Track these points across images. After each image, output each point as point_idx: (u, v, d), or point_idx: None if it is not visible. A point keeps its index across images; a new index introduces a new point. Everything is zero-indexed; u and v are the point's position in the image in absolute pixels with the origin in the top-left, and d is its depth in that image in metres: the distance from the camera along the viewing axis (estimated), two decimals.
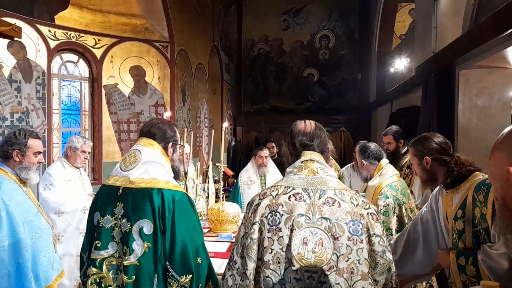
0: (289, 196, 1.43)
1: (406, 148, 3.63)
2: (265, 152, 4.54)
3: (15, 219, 2.23)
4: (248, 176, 4.57)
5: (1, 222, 2.17)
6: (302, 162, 1.53)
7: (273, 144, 5.73)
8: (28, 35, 4.51)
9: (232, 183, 7.18)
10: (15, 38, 4.32)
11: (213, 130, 3.59)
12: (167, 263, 1.67)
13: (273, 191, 1.48)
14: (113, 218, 1.74)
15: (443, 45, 4.26)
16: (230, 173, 7.99)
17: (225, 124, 4.01)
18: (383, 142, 3.71)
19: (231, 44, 10.43)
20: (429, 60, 4.48)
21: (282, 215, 1.40)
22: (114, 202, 1.75)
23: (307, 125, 1.60)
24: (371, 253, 1.39)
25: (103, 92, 5.35)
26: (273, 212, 1.42)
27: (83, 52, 5.24)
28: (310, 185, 1.45)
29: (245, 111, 11.60)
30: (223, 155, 3.85)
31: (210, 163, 3.51)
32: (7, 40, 4.29)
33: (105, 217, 1.75)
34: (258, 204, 1.46)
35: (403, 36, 9.96)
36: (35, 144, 2.43)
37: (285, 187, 1.47)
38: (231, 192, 4.75)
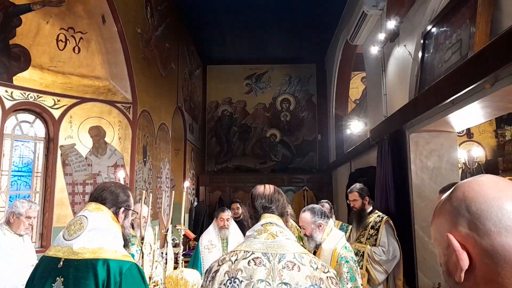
0: (249, 261, 1.40)
1: (371, 207, 3.71)
2: (226, 214, 4.42)
3: None
4: (209, 240, 4.40)
5: None
6: (262, 225, 1.53)
7: (238, 205, 5.63)
8: None
9: (193, 246, 6.87)
10: None
11: (173, 192, 3.51)
12: None
13: (232, 256, 1.44)
14: None
15: (393, 110, 4.60)
16: (192, 235, 7.68)
17: (187, 184, 3.93)
18: (348, 200, 3.78)
19: (195, 105, 10.65)
20: (382, 124, 4.79)
21: (242, 281, 1.36)
22: (53, 276, 1.57)
23: (266, 188, 1.66)
24: None
25: (59, 152, 5.15)
26: (232, 279, 1.37)
27: (40, 112, 5.11)
28: (269, 248, 1.44)
29: (208, 170, 11.53)
30: (183, 217, 3.72)
31: (170, 226, 3.37)
32: None
33: None
34: (217, 271, 1.41)
35: (357, 101, 10.68)
36: None
37: (244, 252, 1.44)
38: (191, 257, 4.52)
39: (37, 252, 3.47)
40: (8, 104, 4.66)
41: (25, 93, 4.85)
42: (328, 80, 10.64)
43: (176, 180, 8.75)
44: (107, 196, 1.79)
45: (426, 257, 3.67)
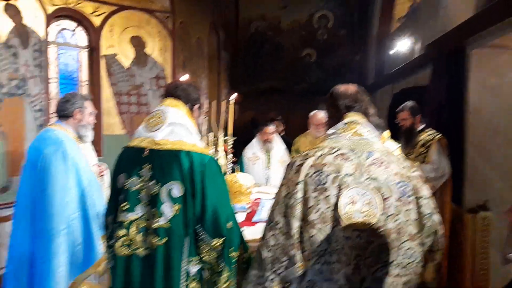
0: (335, 156, 1.39)
1: (423, 125, 3.64)
2: (270, 128, 4.49)
3: (79, 170, 2.48)
4: (253, 152, 4.53)
5: (68, 170, 2.45)
6: (345, 124, 1.49)
7: (279, 123, 5.69)
8: None
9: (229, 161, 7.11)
10: (10, 1, 4.13)
11: (223, 102, 3.51)
12: (198, 226, 1.63)
13: (316, 152, 1.44)
14: (140, 180, 1.68)
15: (453, 25, 4.21)
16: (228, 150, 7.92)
17: (234, 96, 3.91)
18: (397, 119, 3.71)
19: (228, 21, 10.19)
20: (439, 40, 4.44)
21: (329, 174, 1.37)
22: (140, 164, 1.69)
23: (349, 87, 1.60)
24: (418, 216, 1.36)
25: (102, 61, 5.16)
26: (319, 172, 1.38)
27: (81, 20, 5.02)
28: (356, 145, 1.42)
29: (240, 90, 11.44)
30: (231, 129, 3.75)
31: (221, 135, 3.45)
32: (4, 3, 4.08)
33: (131, 179, 1.69)
34: (301, 165, 1.42)
35: (402, 19, 9.90)
36: (89, 105, 2.73)
37: (330, 148, 1.43)
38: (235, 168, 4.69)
39: None
40: (49, 9, 4.57)
41: None
42: None
43: (211, 98, 8.76)
44: (181, 93, 1.83)
45: (476, 176, 3.62)
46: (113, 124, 5.14)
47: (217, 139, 3.42)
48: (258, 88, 11.36)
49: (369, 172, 1.36)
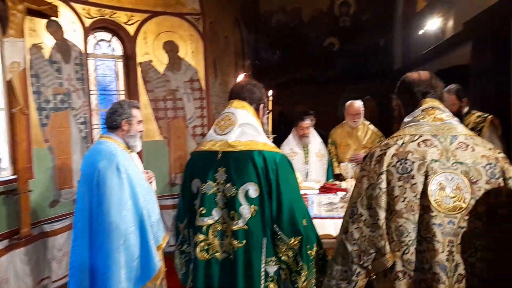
0: (418, 143, 1.39)
1: (468, 108, 3.47)
2: (306, 123, 4.45)
3: (133, 181, 2.44)
4: (290, 148, 4.50)
5: (123, 183, 2.41)
6: (422, 110, 1.49)
7: (313, 117, 5.64)
8: (64, 14, 4.43)
9: None
10: (52, 18, 4.29)
11: (266, 98, 3.52)
12: (275, 225, 1.65)
13: (397, 140, 1.44)
14: (215, 183, 1.71)
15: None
16: None
17: (270, 92, 3.92)
18: None
19: (249, 16, 10.19)
20: (480, 16, 4.30)
21: (414, 162, 1.37)
22: (214, 167, 1.71)
23: (421, 74, 1.58)
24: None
25: (139, 69, 5.29)
26: (403, 160, 1.38)
27: (116, 30, 5.15)
28: (439, 130, 1.41)
29: (265, 85, 11.40)
30: (271, 126, 3.77)
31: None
32: (45, 21, 4.25)
33: (206, 183, 1.72)
34: (382, 155, 1.43)
35: None
36: (137, 113, 2.66)
37: (410, 135, 1.43)
38: None
39: None
40: (87, 22, 4.72)
41: (100, 10, 4.85)
42: None
43: None
44: (246, 94, 1.86)
45: None
46: (152, 130, 5.25)
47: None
48: (283, 82, 11.30)
49: (455, 156, 1.35)
